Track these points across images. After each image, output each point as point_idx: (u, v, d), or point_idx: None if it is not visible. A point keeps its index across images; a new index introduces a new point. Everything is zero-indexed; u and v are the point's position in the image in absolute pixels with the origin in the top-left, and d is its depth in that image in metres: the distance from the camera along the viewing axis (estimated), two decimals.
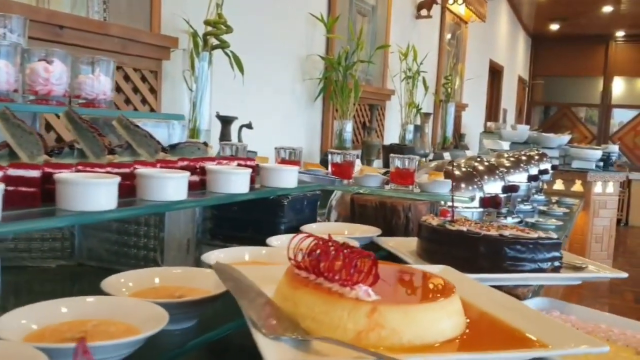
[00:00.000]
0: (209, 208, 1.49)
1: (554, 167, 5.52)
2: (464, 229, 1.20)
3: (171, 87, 2.74)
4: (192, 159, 1.30)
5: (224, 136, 2.81)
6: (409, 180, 1.57)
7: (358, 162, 1.94)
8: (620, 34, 11.13)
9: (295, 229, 1.42)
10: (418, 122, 5.41)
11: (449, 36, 6.68)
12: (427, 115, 5.52)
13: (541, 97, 12.22)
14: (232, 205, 1.44)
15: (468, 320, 0.81)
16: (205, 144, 1.65)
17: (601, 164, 6.81)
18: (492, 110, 9.47)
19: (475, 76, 7.67)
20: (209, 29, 2.67)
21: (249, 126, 2.92)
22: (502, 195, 3.48)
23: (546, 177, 5.07)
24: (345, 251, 0.76)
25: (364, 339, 0.70)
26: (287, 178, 1.41)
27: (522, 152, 5.18)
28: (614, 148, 6.89)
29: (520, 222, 3.64)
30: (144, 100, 2.55)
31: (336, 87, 3.86)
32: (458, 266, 1.13)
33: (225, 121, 2.84)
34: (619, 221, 9.56)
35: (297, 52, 3.68)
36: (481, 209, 2.83)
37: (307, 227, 1.41)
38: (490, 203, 2.76)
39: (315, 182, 1.53)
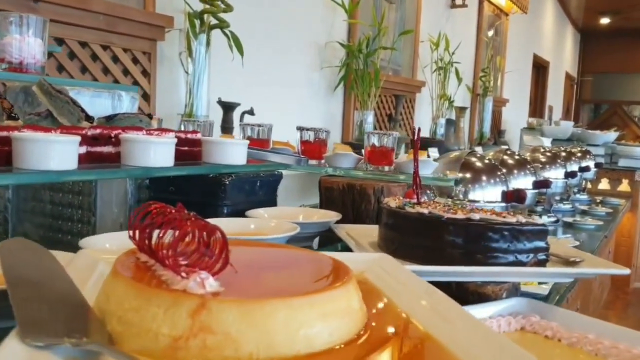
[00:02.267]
0: (145, 189, 1.29)
1: (597, 165, 5.17)
2: (426, 211, 0.95)
3: (168, 70, 2.56)
4: (105, 127, 1.10)
5: (226, 123, 2.63)
6: (386, 160, 1.33)
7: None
8: None
9: (241, 214, 1.20)
10: (451, 116, 5.14)
11: (487, 28, 6.36)
12: (462, 109, 5.23)
13: (590, 94, 11.66)
14: (169, 185, 1.24)
15: (374, 324, 0.58)
16: (150, 115, 1.45)
17: None
18: (537, 107, 9.05)
19: (516, 70, 7.30)
20: (207, 6, 2.48)
21: (250, 112, 2.71)
22: (532, 191, 3.21)
23: (589, 175, 4.76)
24: (186, 224, 0.54)
25: (182, 350, 0.47)
26: (232, 154, 1.19)
27: (562, 149, 4.85)
28: None
29: (557, 221, 3.37)
30: (135, 83, 2.37)
31: (357, 76, 3.63)
32: (420, 258, 0.90)
33: (227, 107, 2.65)
34: None
35: (315, 38, 3.45)
36: (503, 204, 2.55)
37: (254, 212, 1.19)
38: (513, 197, 2.48)
39: (277, 161, 1.31)
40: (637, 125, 11.14)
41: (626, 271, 0.89)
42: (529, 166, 3.77)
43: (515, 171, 3.47)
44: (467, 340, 0.55)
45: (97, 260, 0.73)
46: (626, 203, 4.77)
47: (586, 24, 10.76)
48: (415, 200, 1.03)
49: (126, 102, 1.48)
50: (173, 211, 0.58)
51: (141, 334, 0.49)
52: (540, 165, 4.22)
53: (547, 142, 5.84)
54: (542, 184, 3.24)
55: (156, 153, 1.07)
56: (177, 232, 0.54)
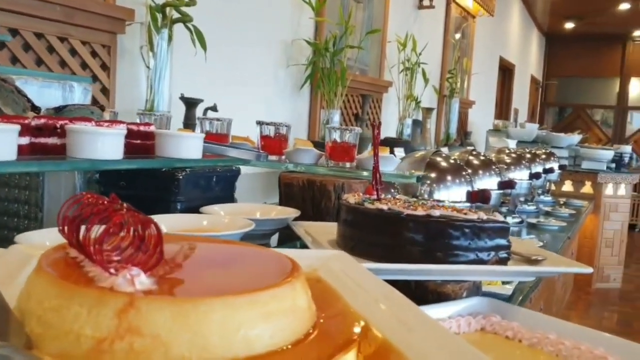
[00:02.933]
0: (95, 183, 1.23)
1: (561, 167, 5.23)
2: (385, 207, 0.92)
3: (129, 64, 2.48)
4: (51, 117, 1.04)
5: (188, 120, 2.56)
6: (348, 156, 1.29)
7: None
8: (638, 33, 10.73)
9: (195, 210, 1.15)
10: (418, 116, 5.14)
11: (454, 30, 6.39)
12: (429, 110, 5.24)
13: (555, 98, 11.84)
14: (120, 179, 1.18)
15: (323, 325, 0.54)
16: (102, 107, 1.39)
17: (613, 165, 6.51)
18: (502, 109, 9.14)
19: (482, 72, 7.36)
20: (169, 0, 2.41)
21: (214, 109, 2.65)
22: (497, 192, 3.22)
23: (552, 176, 4.82)
24: (117, 216, 0.49)
25: (107, 353, 0.43)
26: (186, 147, 1.14)
27: (527, 150, 4.90)
28: (627, 148, 6.55)
29: (521, 222, 3.39)
30: (94, 77, 2.29)
31: (323, 75, 3.60)
32: (379, 256, 0.86)
33: (190, 104, 2.58)
34: (633, 227, 9.18)
35: (281, 35, 3.40)
36: (468, 204, 2.54)
37: (208, 209, 1.14)
38: (478, 197, 2.47)
39: (234, 156, 1.26)
40: (599, 128, 11.34)
41: (589, 270, 0.87)
42: (494, 167, 3.79)
43: (481, 172, 3.48)
44: (425, 344, 0.51)
45: (30, 256, 0.67)
46: (589, 205, 4.84)
47: (551, 28, 10.92)
48: (375, 197, 1.00)
49: (78, 94, 1.41)
50: (105, 202, 0.53)
51: (61, 335, 0.44)
52: (505, 166, 4.24)
53: (512, 143, 5.89)
54: (506, 185, 3.26)
55: (104, 145, 1.01)
56: (107, 225, 0.49)
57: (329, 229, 1.09)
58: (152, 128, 1.20)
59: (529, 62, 10.38)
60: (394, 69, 4.65)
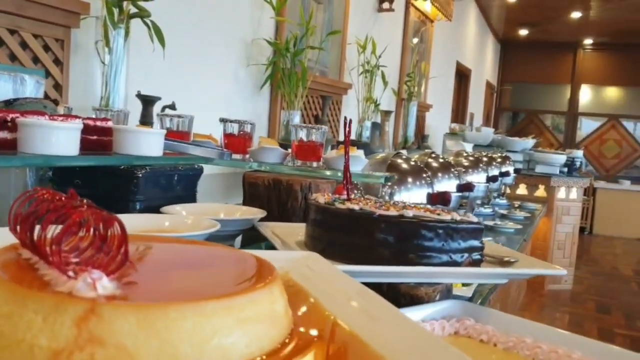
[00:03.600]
0: (48, 181, 1.17)
1: (516, 171, 5.32)
2: (357, 207, 0.89)
3: (83, 60, 2.39)
4: (2, 110, 0.98)
5: (145, 118, 2.48)
6: (315, 155, 1.26)
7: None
8: (588, 41, 11.03)
9: (155, 210, 1.10)
10: (377, 119, 5.15)
11: (413, 33, 6.43)
12: (387, 113, 5.25)
13: (509, 103, 12.07)
14: (75, 177, 1.12)
15: (302, 330, 0.50)
16: (56, 102, 1.32)
17: (565, 169, 6.66)
18: (459, 113, 9.26)
19: (439, 77, 7.43)
20: None
21: (172, 107, 2.58)
22: (456, 194, 3.24)
23: (508, 180, 4.89)
24: (77, 213, 0.44)
25: None
26: (146, 144, 1.09)
27: (484, 154, 4.96)
28: (579, 153, 6.71)
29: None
30: (47, 73, 2.20)
31: (284, 75, 3.56)
32: (350, 257, 0.83)
33: (147, 101, 2.51)
34: (583, 230, 9.40)
35: (241, 34, 3.35)
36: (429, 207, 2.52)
37: (170, 208, 1.09)
38: (438, 200, 2.48)
39: (197, 154, 1.21)
40: (551, 133, 11.60)
41: (563, 272, 0.86)
42: (452, 170, 3.82)
43: (440, 174, 3.50)
44: (400, 342, 0.48)
45: None
46: (542, 208, 4.93)
47: (506, 34, 11.13)
48: (345, 197, 0.96)
49: (30, 87, 1.34)
50: (63, 199, 0.48)
51: (12, 346, 0.39)
52: (463, 169, 4.28)
53: (468, 147, 5.96)
54: (465, 188, 3.29)
55: (58, 140, 0.95)
56: (66, 223, 0.45)
57: (297, 230, 1.05)
58: (110, 124, 1.14)
59: (485, 68, 10.55)
60: (353, 71, 4.65)
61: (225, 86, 3.23)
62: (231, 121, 1.41)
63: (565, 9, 8.96)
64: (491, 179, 4.32)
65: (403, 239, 0.86)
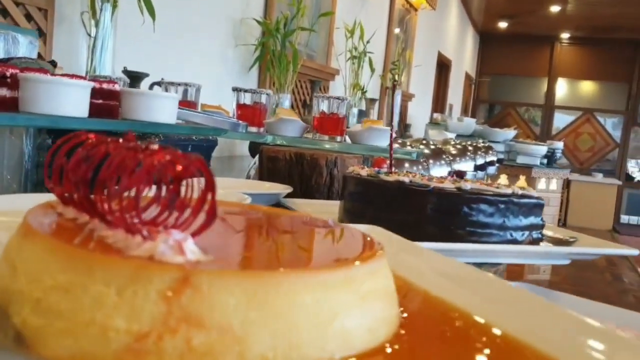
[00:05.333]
0: (44, 152, 1.05)
1: (499, 161, 5.31)
2: (406, 179, 0.79)
3: (67, 31, 2.24)
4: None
5: None
6: (338, 129, 1.16)
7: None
8: (565, 35, 11.08)
9: None
10: (362, 107, 5.07)
11: (398, 21, 6.36)
12: (372, 101, 5.17)
13: (487, 95, 12.10)
14: (77, 147, 1.00)
15: (405, 314, 0.41)
16: (54, 63, 1.20)
17: (545, 160, 6.68)
18: (439, 104, 9.22)
19: (422, 66, 7.37)
20: None
21: (160, 84, 2.45)
22: None
23: (491, 169, 4.87)
24: (151, 157, 0.34)
25: (152, 356, 0.28)
26: (159, 110, 0.98)
27: (469, 143, 4.92)
28: (559, 145, 6.73)
29: None
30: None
31: (273, 57, 3.43)
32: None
33: (134, 78, 2.37)
34: (558, 221, 9.48)
35: (230, 13, 3.21)
36: None
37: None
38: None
39: (210, 125, 1.10)
40: (527, 126, 11.66)
41: (635, 251, 0.78)
42: (444, 156, 3.76)
43: (431, 160, 3.44)
44: (525, 318, 0.39)
45: None
46: None
47: (485, 26, 11.12)
48: (386, 169, 0.87)
49: (23, 47, 1.22)
50: (119, 142, 0.38)
51: (76, 329, 0.29)
52: (451, 158, 4.23)
53: (451, 137, 5.92)
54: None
55: (68, 99, 0.84)
56: (134, 172, 0.34)
57: (327, 207, 0.95)
58: (117, 86, 1.03)
59: (464, 59, 10.54)
60: (340, 57, 4.55)
61: (213, 66, 3.10)
62: (245, 90, 1.30)
63: (543, 2, 8.97)
64: (479, 168, 4.28)
65: (460, 215, 0.77)
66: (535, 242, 0.80)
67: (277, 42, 3.39)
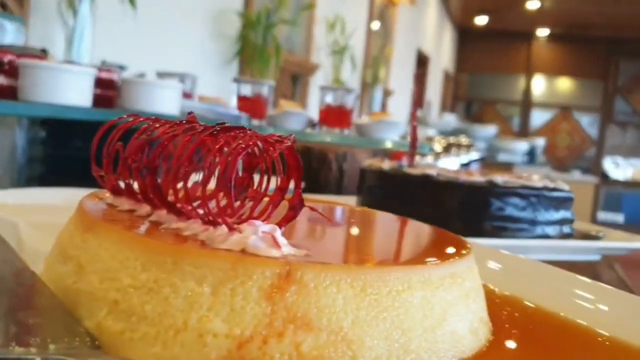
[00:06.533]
0: (40, 146, 0.99)
1: (482, 159, 5.33)
2: (433, 172, 0.76)
3: (43, 20, 2.16)
4: None
5: None
6: (345, 121, 1.13)
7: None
8: (543, 32, 11.18)
9: None
10: None
11: (378, 16, 6.34)
12: None
13: (465, 92, 12.16)
14: (75, 139, 0.96)
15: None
16: (45, 51, 1.15)
17: (526, 158, 6.73)
18: (418, 100, 9.24)
19: (401, 62, 7.37)
20: None
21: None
22: None
23: (474, 167, 4.92)
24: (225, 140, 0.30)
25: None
26: (162, 100, 0.94)
27: (451, 140, 4.94)
28: (540, 141, 6.78)
29: None
30: None
31: (254, 50, 3.37)
32: None
33: None
34: None
35: (210, 4, 3.15)
36: None
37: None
38: None
39: (212, 118, 1.06)
40: (505, 123, 11.74)
41: None
42: (429, 154, 3.74)
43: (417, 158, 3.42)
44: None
45: (13, 223, 0.46)
46: None
47: (464, 23, 11.17)
48: (407, 163, 0.84)
49: (11, 35, 1.16)
50: (183, 124, 0.34)
51: (166, 334, 0.25)
52: (436, 155, 4.23)
53: (432, 133, 5.93)
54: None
55: (72, 87, 0.79)
56: (223, 156, 0.31)
57: (344, 201, 0.92)
58: (115, 76, 0.99)
59: (443, 55, 10.56)
60: (321, 51, 4.51)
61: (192, 59, 3.01)
62: (245, 81, 1.26)
63: None
64: (465, 166, 4.30)
65: (490, 209, 0.74)
66: (565, 237, 0.78)
67: (258, 35, 3.33)
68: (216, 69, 3.34)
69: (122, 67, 2.22)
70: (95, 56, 2.16)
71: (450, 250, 0.33)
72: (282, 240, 0.28)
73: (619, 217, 7.69)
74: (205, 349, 0.25)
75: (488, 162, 6.18)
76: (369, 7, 6.09)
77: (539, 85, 11.51)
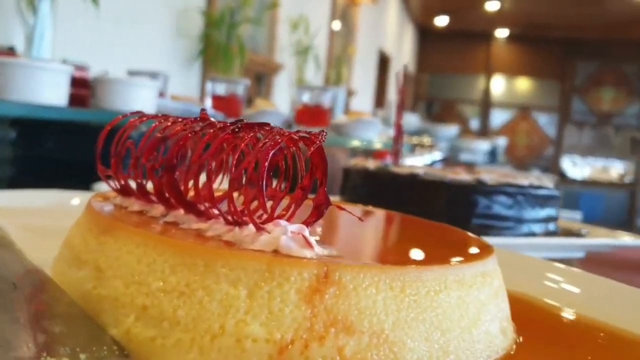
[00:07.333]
0: (10, 145, 0.96)
1: (444, 160, 5.40)
2: (421, 171, 0.76)
3: (1, 18, 2.10)
4: None
5: None
6: (322, 121, 1.12)
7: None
8: (502, 33, 11.37)
9: None
10: None
11: (340, 16, 6.35)
12: None
13: (425, 92, 12.28)
14: (46, 139, 0.93)
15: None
16: (12, 49, 1.12)
17: (487, 157, 6.81)
18: (380, 101, 9.29)
19: (363, 62, 7.41)
20: None
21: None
22: None
23: (438, 167, 4.97)
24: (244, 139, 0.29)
25: None
26: (138, 99, 0.91)
27: (415, 140, 4.98)
28: (501, 141, 6.87)
29: None
30: None
31: (218, 50, 3.32)
32: None
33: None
34: None
35: (171, 2, 3.09)
36: None
37: None
38: None
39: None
40: (465, 123, 11.91)
41: None
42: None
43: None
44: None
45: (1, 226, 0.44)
46: None
47: (424, 23, 11.28)
48: (392, 162, 0.84)
49: None
50: (195, 121, 0.33)
51: (202, 340, 0.24)
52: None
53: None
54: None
55: (47, 85, 0.77)
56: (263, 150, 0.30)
57: None
58: (89, 74, 0.96)
59: (404, 56, 10.65)
60: (284, 51, 4.49)
61: (154, 58, 2.96)
62: (220, 80, 1.24)
63: None
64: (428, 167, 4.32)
65: (477, 207, 0.74)
66: (550, 234, 0.79)
67: (222, 34, 3.29)
68: (179, 69, 3.28)
69: (83, 67, 2.17)
70: (56, 55, 2.10)
71: (475, 249, 0.33)
72: (309, 237, 0.28)
73: (577, 216, 7.87)
74: (245, 354, 0.24)
75: (450, 162, 6.24)
76: (332, 6, 6.09)
77: (498, 85, 11.71)
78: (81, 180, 0.80)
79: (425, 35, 11.82)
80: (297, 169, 0.30)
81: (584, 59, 10.30)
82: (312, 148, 0.27)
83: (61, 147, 1.01)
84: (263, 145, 0.27)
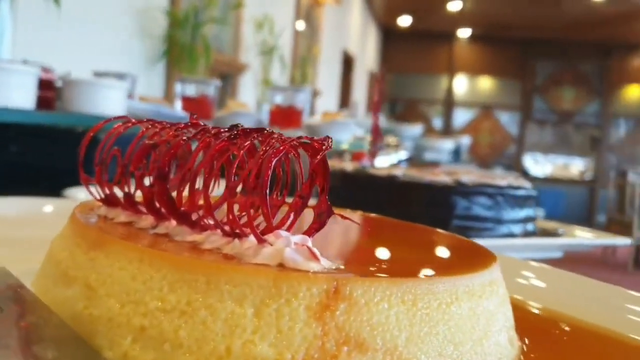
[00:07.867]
0: None
1: (409, 159, 5.43)
2: (399, 173, 0.75)
3: None
4: None
5: None
6: (295, 122, 1.10)
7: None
8: (464, 33, 11.51)
9: None
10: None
11: (304, 16, 6.34)
12: None
13: (389, 92, 12.36)
14: (8, 145, 0.89)
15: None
16: None
17: (451, 156, 6.86)
18: (344, 102, 9.31)
19: (328, 63, 7.41)
20: None
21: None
22: None
23: (404, 166, 4.99)
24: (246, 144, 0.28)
25: None
26: (106, 101, 0.89)
27: (382, 141, 4.99)
28: (465, 139, 6.94)
29: None
30: None
31: (183, 50, 3.27)
32: None
33: None
34: None
35: (134, 2, 3.02)
36: None
37: None
38: None
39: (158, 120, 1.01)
40: (429, 122, 12.02)
41: (627, 241, 0.78)
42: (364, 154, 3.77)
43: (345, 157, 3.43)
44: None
45: None
46: None
47: (388, 24, 11.35)
48: (370, 163, 0.83)
49: None
50: (186, 127, 0.31)
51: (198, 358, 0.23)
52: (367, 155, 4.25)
53: (360, 133, 5.97)
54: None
55: (15, 87, 0.74)
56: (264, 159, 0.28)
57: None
58: (54, 75, 0.93)
59: (368, 56, 10.70)
60: (249, 52, 4.46)
61: (117, 59, 2.89)
62: (190, 81, 1.21)
63: None
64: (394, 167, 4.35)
65: (456, 208, 0.74)
66: (529, 234, 0.79)
67: (187, 34, 3.25)
68: (142, 69, 3.22)
69: (48, 68, 2.11)
70: (16, 56, 2.04)
71: (479, 257, 0.32)
72: (312, 248, 0.26)
73: (540, 213, 8.01)
74: None
75: (415, 161, 6.28)
76: (296, 6, 6.08)
77: (461, 84, 11.86)
78: (51, 185, 0.77)
79: (389, 36, 11.91)
80: (296, 176, 0.29)
81: (544, 59, 10.51)
82: (318, 157, 0.26)
83: (28, 151, 0.97)
84: (264, 152, 0.26)
